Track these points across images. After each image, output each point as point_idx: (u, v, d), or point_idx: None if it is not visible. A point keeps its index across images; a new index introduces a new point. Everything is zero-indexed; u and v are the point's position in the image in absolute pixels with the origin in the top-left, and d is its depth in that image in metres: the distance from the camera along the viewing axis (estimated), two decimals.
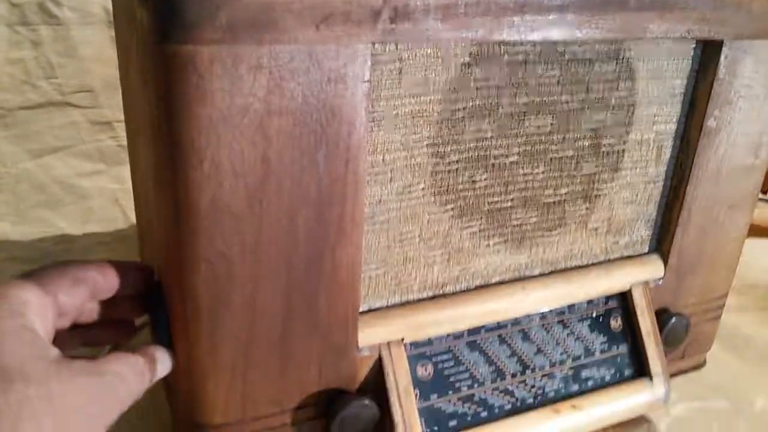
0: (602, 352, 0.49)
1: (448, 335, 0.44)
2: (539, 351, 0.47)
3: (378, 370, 0.42)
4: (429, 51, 0.37)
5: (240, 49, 0.31)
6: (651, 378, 0.49)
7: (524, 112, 0.41)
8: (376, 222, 0.40)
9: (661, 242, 0.51)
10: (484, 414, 0.45)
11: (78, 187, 0.75)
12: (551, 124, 0.42)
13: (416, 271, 0.42)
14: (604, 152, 0.45)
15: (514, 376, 0.46)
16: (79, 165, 0.76)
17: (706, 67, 0.45)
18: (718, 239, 0.52)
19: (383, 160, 0.38)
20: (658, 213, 0.50)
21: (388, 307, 0.42)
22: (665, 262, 0.50)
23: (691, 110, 0.46)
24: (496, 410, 0.45)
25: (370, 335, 0.41)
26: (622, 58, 0.42)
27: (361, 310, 0.41)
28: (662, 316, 0.51)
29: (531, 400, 0.46)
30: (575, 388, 0.48)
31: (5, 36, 0.71)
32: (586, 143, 0.44)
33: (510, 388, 0.46)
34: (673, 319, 0.51)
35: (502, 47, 0.38)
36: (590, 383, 0.48)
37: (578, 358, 0.48)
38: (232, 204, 0.34)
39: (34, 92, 0.73)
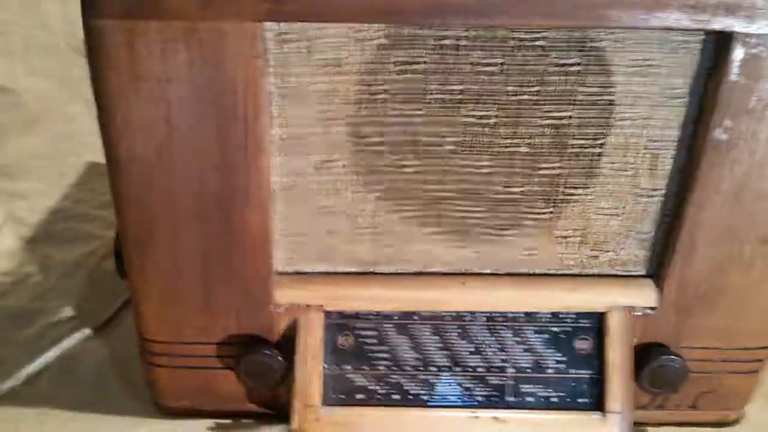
0: (556, 371, 0.44)
1: (378, 313, 0.44)
2: (476, 351, 0.44)
3: (294, 328, 0.44)
4: (339, 31, 0.36)
5: (133, 24, 0.34)
6: (604, 415, 0.43)
7: (459, 100, 0.38)
8: (296, 192, 0.41)
9: (659, 268, 0.43)
10: (396, 397, 0.44)
11: None
12: (496, 115, 0.38)
13: (341, 244, 0.43)
14: (571, 153, 0.40)
15: (439, 369, 0.45)
16: None
17: (716, 65, 0.36)
18: (746, 279, 0.42)
19: (297, 133, 0.39)
20: (657, 233, 0.42)
21: (311, 273, 0.44)
22: (661, 291, 0.43)
23: (699, 116, 0.38)
24: (411, 398, 0.44)
25: (286, 295, 0.43)
26: (588, 48, 0.36)
27: (282, 270, 0.43)
28: (650, 351, 0.44)
29: (453, 399, 0.45)
30: (510, 400, 0.44)
31: None
32: (545, 140, 0.39)
33: (432, 380, 0.45)
34: (661, 359, 0.43)
35: (425, 29, 0.36)
36: (530, 400, 0.44)
37: (523, 370, 0.44)
38: (144, 156, 0.38)
39: None
